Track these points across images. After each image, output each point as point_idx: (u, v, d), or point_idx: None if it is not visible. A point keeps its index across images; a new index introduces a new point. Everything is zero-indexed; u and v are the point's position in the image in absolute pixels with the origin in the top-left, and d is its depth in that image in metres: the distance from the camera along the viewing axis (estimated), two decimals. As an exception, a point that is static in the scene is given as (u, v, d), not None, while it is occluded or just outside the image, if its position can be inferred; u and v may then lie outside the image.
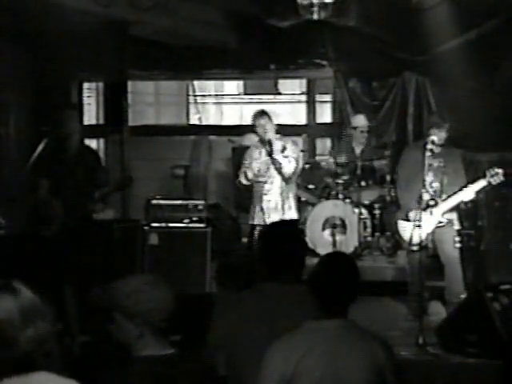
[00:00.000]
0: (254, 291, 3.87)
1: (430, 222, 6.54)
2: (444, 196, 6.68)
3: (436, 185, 6.68)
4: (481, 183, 6.55)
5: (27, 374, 2.14)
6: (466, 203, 6.85)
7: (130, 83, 10.26)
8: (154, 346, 2.75)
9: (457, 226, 6.84)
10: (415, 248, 6.32)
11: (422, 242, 6.32)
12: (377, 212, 8.38)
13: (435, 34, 8.27)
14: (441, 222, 6.65)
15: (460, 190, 6.60)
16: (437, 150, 6.60)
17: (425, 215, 6.36)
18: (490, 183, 6.52)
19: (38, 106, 8.40)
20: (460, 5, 8.01)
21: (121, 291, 2.75)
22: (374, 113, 9.55)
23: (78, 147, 6.75)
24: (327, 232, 8.13)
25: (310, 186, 8.61)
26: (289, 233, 3.70)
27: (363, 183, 8.39)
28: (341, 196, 8.29)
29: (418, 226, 6.05)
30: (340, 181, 8.33)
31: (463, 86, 8.41)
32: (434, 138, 6.55)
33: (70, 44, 7.71)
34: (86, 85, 10.65)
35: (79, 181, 6.63)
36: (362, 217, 8.22)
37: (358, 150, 8.63)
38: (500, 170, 6.49)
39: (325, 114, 10.71)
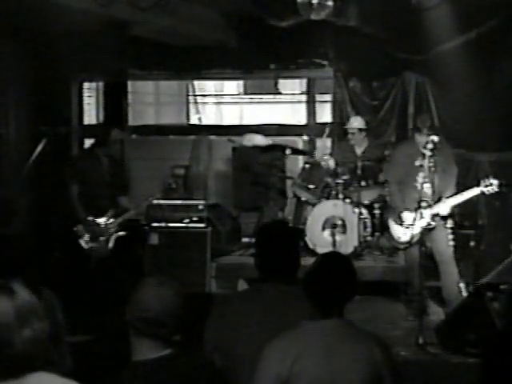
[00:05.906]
0: (249, 292, 3.86)
1: (419, 223, 6.48)
2: (435, 197, 6.59)
3: (427, 186, 6.59)
4: (474, 191, 6.48)
5: (24, 376, 2.11)
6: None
7: (130, 83, 10.27)
8: (150, 350, 2.74)
9: (450, 225, 6.81)
10: (402, 247, 6.39)
11: (411, 240, 6.36)
12: (377, 212, 8.37)
13: (435, 34, 8.27)
14: (430, 224, 6.55)
15: (455, 194, 6.57)
16: (428, 150, 6.53)
17: (415, 216, 6.36)
18: (483, 193, 6.45)
19: (37, 106, 8.40)
20: (460, 5, 8.01)
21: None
22: (374, 113, 9.55)
23: None
24: (327, 232, 8.12)
25: (310, 186, 8.60)
26: (282, 233, 3.66)
27: (363, 183, 8.39)
28: (341, 196, 8.29)
29: (409, 227, 6.09)
30: (340, 181, 8.33)
31: (463, 85, 8.41)
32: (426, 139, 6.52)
33: (70, 44, 7.71)
34: (86, 85, 10.65)
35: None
36: (361, 217, 8.21)
37: (358, 151, 8.62)
38: (495, 181, 6.39)
39: (325, 114, 10.70)
